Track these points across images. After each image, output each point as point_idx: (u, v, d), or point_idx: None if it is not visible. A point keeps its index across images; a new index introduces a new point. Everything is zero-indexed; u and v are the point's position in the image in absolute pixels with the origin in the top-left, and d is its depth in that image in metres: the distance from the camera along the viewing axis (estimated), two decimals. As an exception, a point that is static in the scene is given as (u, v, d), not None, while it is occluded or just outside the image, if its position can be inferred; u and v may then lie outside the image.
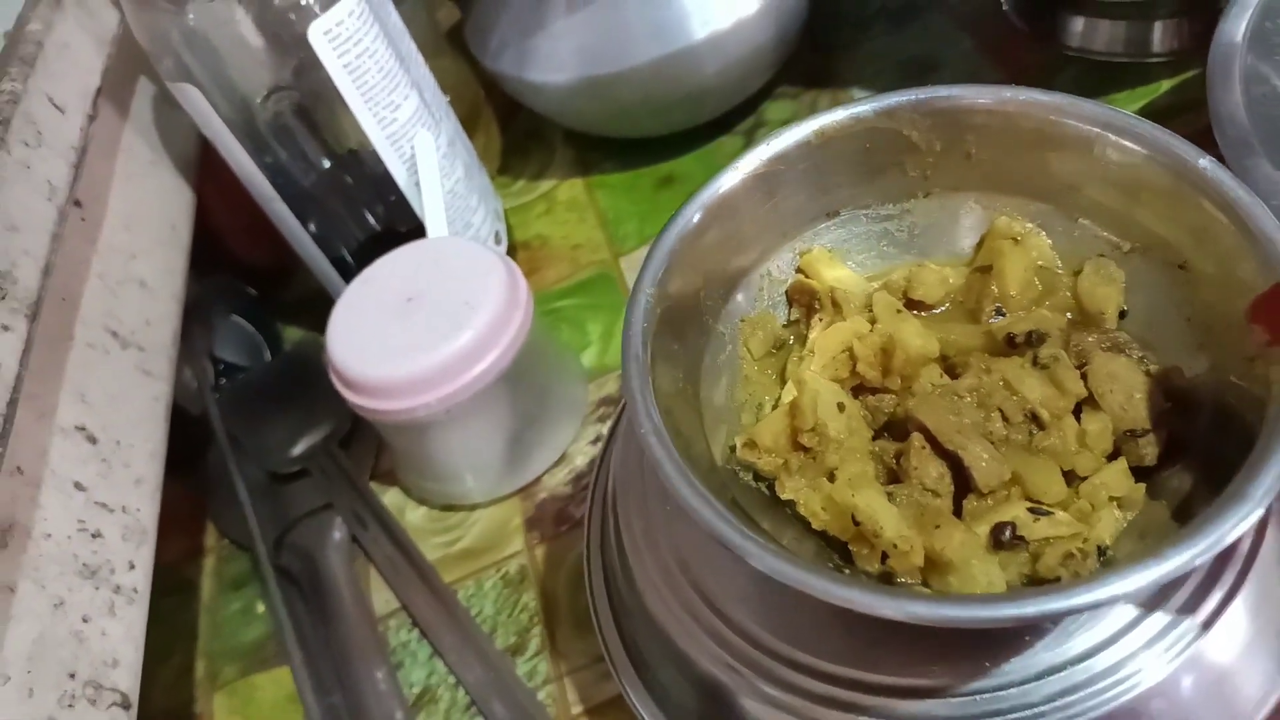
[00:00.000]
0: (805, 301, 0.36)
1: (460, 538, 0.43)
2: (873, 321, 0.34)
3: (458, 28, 0.59)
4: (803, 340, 0.35)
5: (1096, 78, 0.48)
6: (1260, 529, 0.27)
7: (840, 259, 0.36)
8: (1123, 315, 0.33)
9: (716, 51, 0.49)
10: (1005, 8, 0.53)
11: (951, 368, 0.33)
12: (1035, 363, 0.32)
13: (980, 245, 0.36)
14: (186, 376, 0.52)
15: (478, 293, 0.40)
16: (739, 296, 0.35)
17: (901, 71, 0.52)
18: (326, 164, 0.45)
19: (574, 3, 0.48)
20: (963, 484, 0.30)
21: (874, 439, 0.32)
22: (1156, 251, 0.32)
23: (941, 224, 0.36)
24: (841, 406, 0.32)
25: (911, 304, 0.35)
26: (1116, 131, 0.31)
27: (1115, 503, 0.29)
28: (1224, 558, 0.26)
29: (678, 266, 0.32)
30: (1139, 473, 0.30)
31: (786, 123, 0.34)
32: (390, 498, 0.45)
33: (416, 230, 0.46)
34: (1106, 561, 0.28)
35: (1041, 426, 0.30)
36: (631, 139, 0.56)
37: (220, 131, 0.42)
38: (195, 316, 0.51)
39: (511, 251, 0.53)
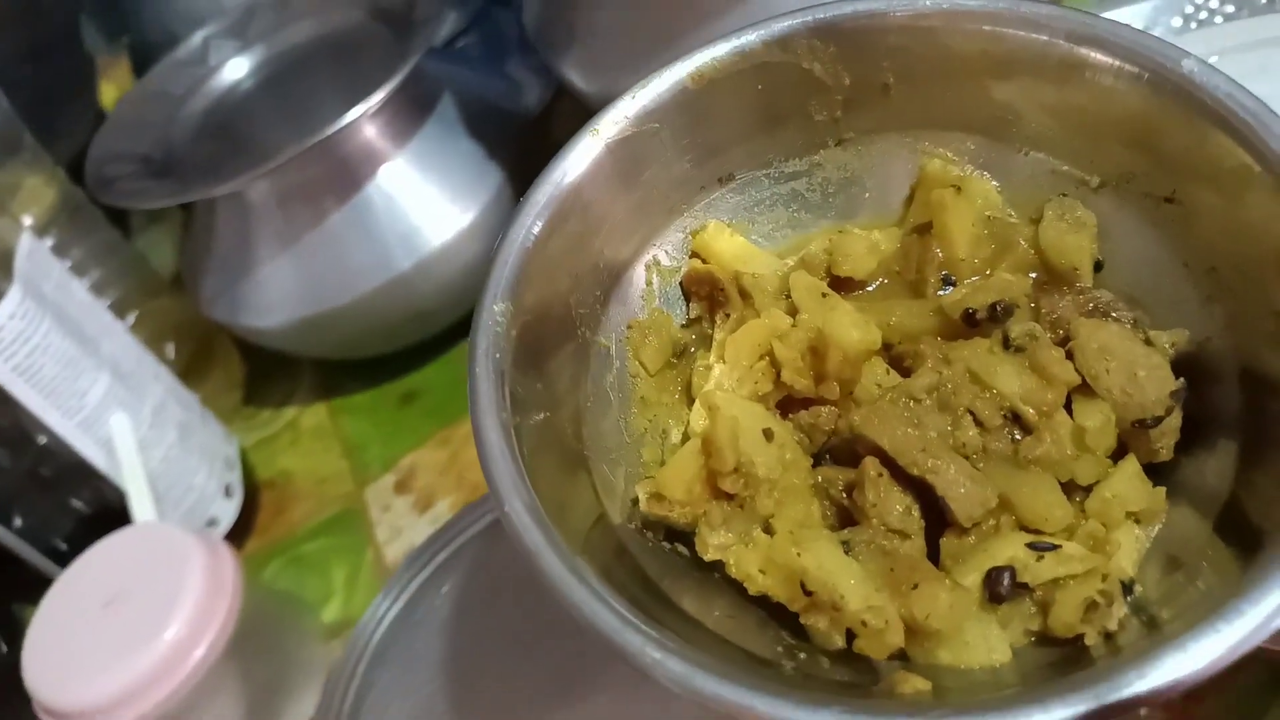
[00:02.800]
0: (706, 293, 0.28)
1: (210, 835, 0.40)
2: (793, 312, 0.27)
3: (185, 263, 0.57)
4: (708, 343, 0.28)
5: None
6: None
7: (742, 232, 0.29)
8: (1098, 268, 0.27)
9: (427, 276, 0.47)
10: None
11: (899, 359, 0.27)
12: (1007, 344, 0.25)
13: (912, 198, 0.29)
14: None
15: (178, 587, 0.38)
16: (621, 296, 0.27)
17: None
18: (16, 464, 0.42)
19: (271, 251, 0.48)
20: (937, 517, 0.24)
21: (815, 466, 0.26)
22: (1135, 184, 0.26)
23: (861, 176, 0.30)
24: (769, 434, 0.25)
25: (838, 283, 0.29)
26: (1072, 37, 0.25)
27: (1133, 517, 0.23)
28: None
29: (532, 271, 0.24)
30: (1153, 471, 0.24)
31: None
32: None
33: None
34: (1137, 604, 0.22)
35: (1028, 430, 0.24)
36: (372, 356, 0.55)
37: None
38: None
39: (255, 492, 0.51)
